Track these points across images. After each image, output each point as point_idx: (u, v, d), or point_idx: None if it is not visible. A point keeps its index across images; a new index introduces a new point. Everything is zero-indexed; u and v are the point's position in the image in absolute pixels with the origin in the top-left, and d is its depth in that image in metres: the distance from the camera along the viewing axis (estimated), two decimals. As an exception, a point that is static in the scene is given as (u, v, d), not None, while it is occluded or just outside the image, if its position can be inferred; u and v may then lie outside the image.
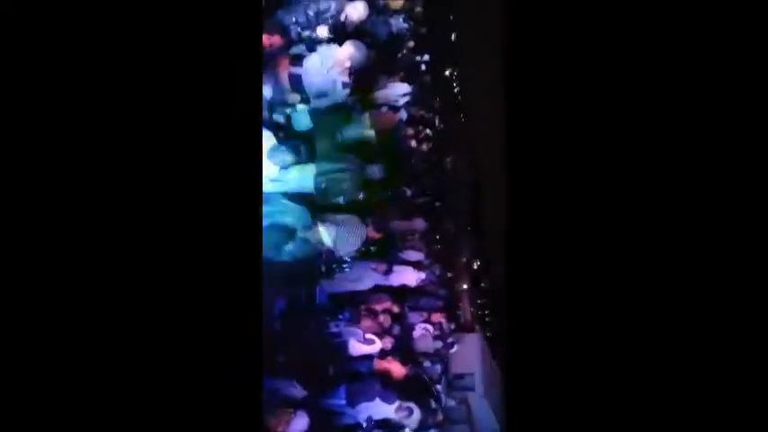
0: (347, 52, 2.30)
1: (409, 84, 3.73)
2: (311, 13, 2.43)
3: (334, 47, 2.30)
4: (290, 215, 2.22)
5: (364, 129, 2.70)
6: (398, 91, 3.59)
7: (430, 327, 4.34)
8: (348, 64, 2.29)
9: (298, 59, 2.35)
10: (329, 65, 2.29)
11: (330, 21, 2.48)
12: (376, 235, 3.00)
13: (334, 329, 3.18)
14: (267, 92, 2.28)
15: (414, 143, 4.17)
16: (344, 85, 2.35)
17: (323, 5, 2.46)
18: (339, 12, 2.51)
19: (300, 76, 2.34)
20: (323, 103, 2.37)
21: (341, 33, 2.47)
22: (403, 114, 3.87)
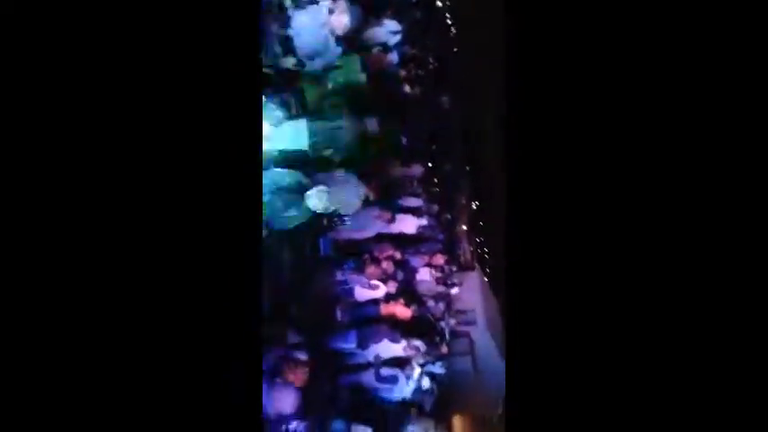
0: (342, 21, 2.19)
1: (399, 21, 3.57)
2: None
3: (323, 6, 2.19)
4: (288, 179, 2.21)
5: (356, 73, 2.62)
6: (388, 29, 3.45)
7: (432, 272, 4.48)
8: (340, 31, 2.19)
9: (285, 20, 2.23)
10: (320, 22, 2.19)
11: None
12: (375, 191, 3.03)
13: (340, 278, 3.31)
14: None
15: (408, 87, 4.04)
16: (338, 41, 2.26)
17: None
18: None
19: (292, 37, 2.25)
20: (318, 64, 2.29)
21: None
22: (395, 56, 3.75)
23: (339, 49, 2.31)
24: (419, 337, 3.39)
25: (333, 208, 2.28)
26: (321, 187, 2.19)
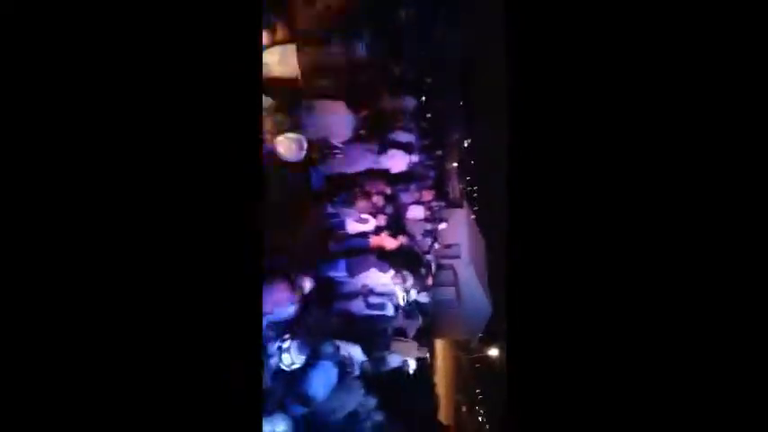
0: None
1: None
2: None
3: None
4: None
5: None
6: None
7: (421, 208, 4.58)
8: None
9: None
10: None
11: None
12: (364, 122, 3.00)
13: (331, 210, 3.38)
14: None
15: (402, 13, 3.87)
16: None
17: None
18: None
19: None
20: None
21: None
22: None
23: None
24: (406, 268, 3.55)
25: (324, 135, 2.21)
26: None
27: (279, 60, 2.22)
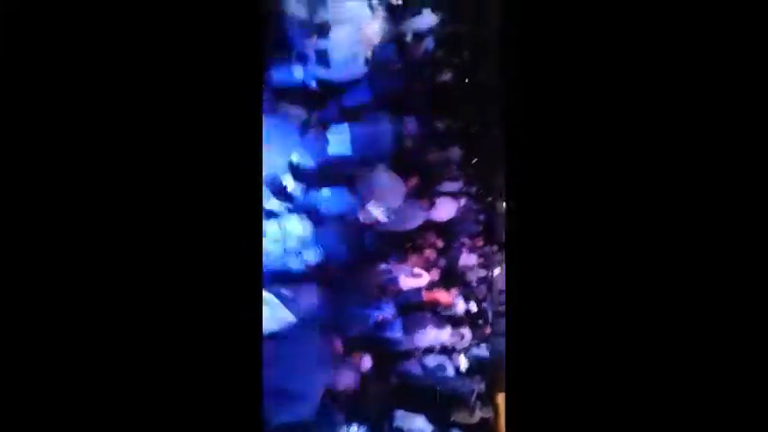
0: (375, 28, 2.18)
1: (434, 11, 3.51)
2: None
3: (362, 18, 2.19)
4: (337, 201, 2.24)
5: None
6: (426, 21, 3.41)
7: (474, 256, 4.50)
8: (375, 41, 2.20)
9: (324, 30, 2.25)
10: (356, 39, 2.20)
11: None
12: (413, 182, 3.06)
13: (384, 268, 3.40)
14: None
15: (444, 74, 3.99)
16: (366, 61, 2.27)
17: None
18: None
19: (326, 50, 2.26)
20: (342, 77, 2.32)
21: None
22: (429, 43, 3.69)
23: (365, 69, 2.32)
24: (463, 322, 3.46)
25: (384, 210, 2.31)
26: (374, 202, 2.21)
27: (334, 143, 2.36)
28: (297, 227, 2.44)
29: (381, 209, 2.20)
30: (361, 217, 2.25)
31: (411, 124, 2.52)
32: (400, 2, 2.45)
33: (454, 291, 3.74)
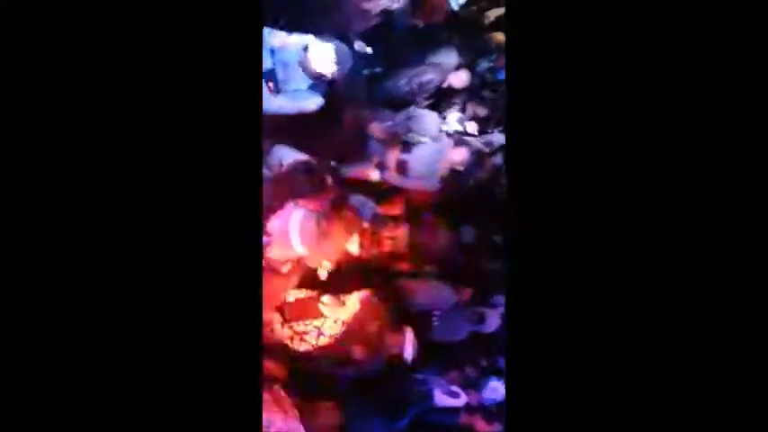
0: (463, 157, 2.35)
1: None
2: (415, 84, 2.55)
3: (448, 142, 2.37)
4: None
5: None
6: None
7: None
8: (459, 168, 2.35)
9: (407, 146, 2.44)
10: (438, 158, 2.37)
11: (432, 91, 2.58)
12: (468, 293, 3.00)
13: (419, 377, 3.23)
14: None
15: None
16: (442, 179, 2.41)
17: (426, 77, 2.57)
18: (441, 82, 2.60)
19: (407, 162, 2.44)
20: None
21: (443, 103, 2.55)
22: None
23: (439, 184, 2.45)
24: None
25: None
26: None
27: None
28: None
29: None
30: None
31: (468, 233, 2.55)
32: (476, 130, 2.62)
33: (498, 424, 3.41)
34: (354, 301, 2.27)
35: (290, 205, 1.61)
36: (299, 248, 1.66)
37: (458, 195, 2.68)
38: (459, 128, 2.37)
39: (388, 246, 2.30)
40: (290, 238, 1.56)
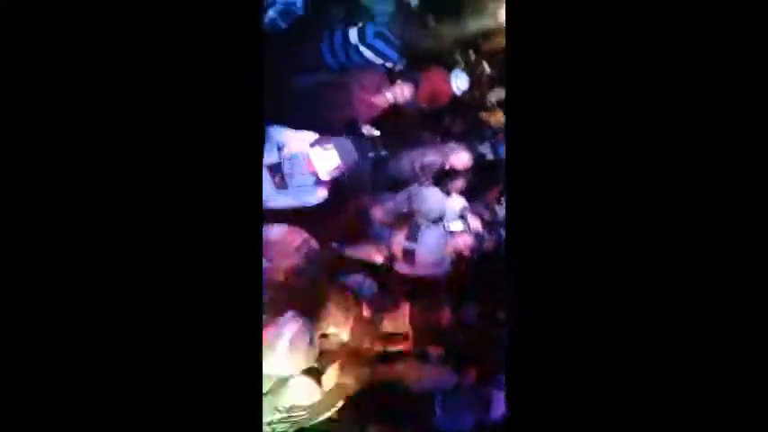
0: (468, 243, 2.38)
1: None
2: (417, 167, 2.62)
3: (457, 223, 2.40)
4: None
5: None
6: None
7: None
8: (466, 253, 2.36)
9: (412, 233, 2.43)
10: (444, 243, 2.38)
11: (435, 173, 2.63)
12: (473, 374, 2.85)
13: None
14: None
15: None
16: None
17: (428, 159, 2.64)
18: (443, 164, 2.67)
19: (414, 251, 2.43)
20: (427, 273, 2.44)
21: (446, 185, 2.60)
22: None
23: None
24: None
25: None
26: None
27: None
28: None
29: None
30: None
31: (470, 312, 2.48)
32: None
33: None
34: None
35: (288, 314, 1.58)
36: (284, 367, 1.59)
37: (461, 276, 2.64)
38: (462, 227, 2.37)
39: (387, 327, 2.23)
40: (277, 350, 1.52)
